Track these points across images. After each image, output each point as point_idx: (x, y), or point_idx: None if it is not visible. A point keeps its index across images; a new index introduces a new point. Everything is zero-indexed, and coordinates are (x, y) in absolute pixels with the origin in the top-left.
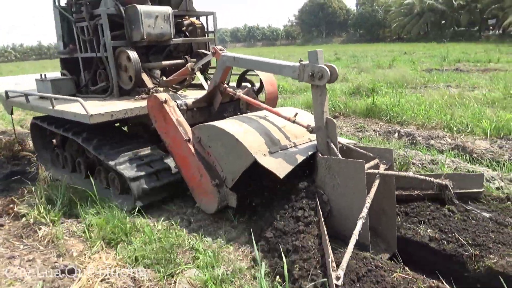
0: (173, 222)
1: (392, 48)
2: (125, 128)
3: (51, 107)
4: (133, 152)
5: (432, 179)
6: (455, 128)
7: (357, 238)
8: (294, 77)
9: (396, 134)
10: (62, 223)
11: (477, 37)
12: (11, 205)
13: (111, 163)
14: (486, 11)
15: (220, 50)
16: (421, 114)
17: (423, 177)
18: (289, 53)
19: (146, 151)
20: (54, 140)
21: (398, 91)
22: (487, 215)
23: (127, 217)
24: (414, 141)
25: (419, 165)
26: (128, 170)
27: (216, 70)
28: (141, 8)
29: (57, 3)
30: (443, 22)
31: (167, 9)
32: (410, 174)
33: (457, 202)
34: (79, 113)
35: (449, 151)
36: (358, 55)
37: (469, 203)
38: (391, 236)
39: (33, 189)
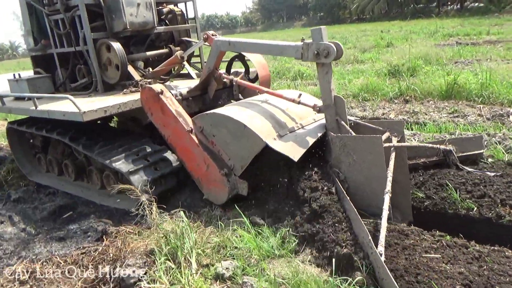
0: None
1: (361, 28)
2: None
3: (33, 108)
4: (127, 147)
5: (438, 145)
6: None
7: (387, 212)
8: (298, 57)
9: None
10: None
11: (436, 13)
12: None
13: (107, 161)
14: None
15: (213, 35)
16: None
17: (430, 145)
18: (267, 38)
19: (140, 145)
20: (34, 144)
21: (435, 68)
22: (491, 174)
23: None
24: None
25: None
26: (124, 165)
27: (209, 56)
28: None
29: None
30: (399, 0)
31: None
32: (421, 143)
33: (461, 165)
34: (69, 111)
35: None
36: (335, 37)
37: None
38: (406, 205)
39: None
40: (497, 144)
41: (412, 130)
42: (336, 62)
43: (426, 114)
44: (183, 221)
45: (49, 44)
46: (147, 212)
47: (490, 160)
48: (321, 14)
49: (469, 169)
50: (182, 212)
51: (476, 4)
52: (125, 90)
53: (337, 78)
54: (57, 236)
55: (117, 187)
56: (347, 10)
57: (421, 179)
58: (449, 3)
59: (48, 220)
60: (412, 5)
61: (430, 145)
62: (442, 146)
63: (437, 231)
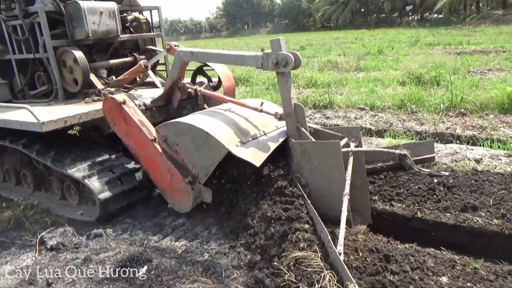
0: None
1: (332, 35)
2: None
3: None
4: (85, 156)
5: (393, 150)
6: None
7: (346, 213)
8: (258, 66)
9: None
10: None
11: (398, 23)
12: None
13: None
14: None
15: (176, 45)
16: None
17: (386, 149)
18: (232, 45)
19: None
20: None
21: (458, 77)
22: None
23: None
24: None
25: None
26: (80, 172)
27: (172, 66)
28: (83, 4)
29: None
30: (362, 10)
31: (112, 4)
32: (377, 148)
33: (417, 168)
34: (27, 121)
35: None
36: (314, 44)
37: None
38: (365, 209)
39: None
40: None
41: (490, 147)
42: (347, 70)
43: (496, 130)
44: None
45: (6, 49)
46: None
47: None
48: (286, 21)
49: (425, 170)
50: None
51: (435, 15)
52: (87, 99)
53: (358, 86)
54: None
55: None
56: (311, 18)
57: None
58: (410, 14)
59: (118, 281)
60: (375, 15)
61: (386, 149)
62: (397, 151)
63: None
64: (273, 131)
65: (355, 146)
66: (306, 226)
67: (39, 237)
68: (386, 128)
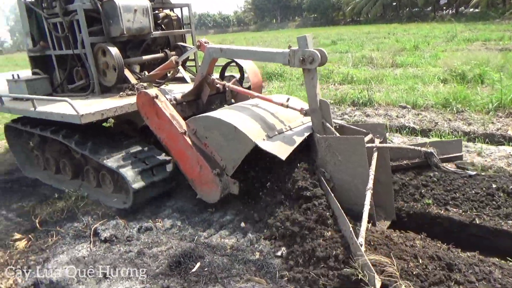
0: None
1: (363, 30)
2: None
3: (32, 109)
4: (122, 147)
5: (419, 148)
6: None
7: (369, 207)
8: (285, 63)
9: None
10: None
11: (432, 17)
12: None
13: (101, 160)
14: None
15: (205, 42)
16: None
17: (412, 147)
18: (261, 39)
19: (134, 146)
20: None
21: (504, 75)
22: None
23: None
24: None
25: None
26: (117, 162)
27: (202, 62)
28: (119, 2)
29: None
30: (394, 4)
31: (146, 2)
32: (402, 145)
33: (443, 167)
34: (68, 113)
35: None
36: (345, 39)
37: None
38: (389, 204)
39: None
40: None
41: None
42: (383, 66)
43: None
44: None
45: (48, 46)
46: None
47: None
48: (315, 15)
49: (451, 169)
50: None
51: (471, 9)
52: (121, 93)
53: (396, 83)
54: None
55: None
56: (341, 12)
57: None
58: (444, 8)
59: (172, 276)
60: (408, 9)
61: (412, 147)
62: (423, 148)
63: None
64: (298, 126)
65: (380, 143)
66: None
67: (92, 228)
68: (431, 128)
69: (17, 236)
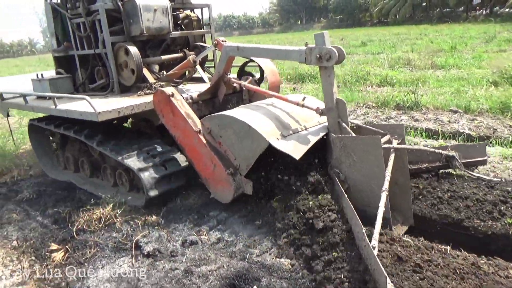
0: None
1: (392, 31)
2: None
3: (53, 107)
4: (139, 146)
5: (440, 151)
6: None
7: (383, 209)
8: (301, 60)
9: None
10: None
11: (464, 18)
12: None
13: (119, 158)
14: None
15: (223, 41)
16: None
17: (432, 149)
18: (286, 40)
19: (151, 145)
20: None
21: None
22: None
23: None
24: None
25: None
26: (135, 162)
27: (219, 61)
28: (139, 2)
29: (48, 0)
30: (423, 4)
31: (165, 2)
32: (422, 147)
33: (466, 170)
34: (86, 111)
35: None
36: (375, 41)
37: None
38: (407, 208)
39: None
40: None
41: None
42: (422, 68)
43: None
44: None
45: (71, 46)
46: None
47: None
48: (341, 16)
49: (474, 174)
50: None
51: (507, 9)
52: (139, 92)
53: (440, 86)
54: None
55: None
56: (368, 12)
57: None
58: (478, 8)
59: None
60: (438, 9)
61: (432, 149)
62: (445, 152)
63: None
64: (314, 126)
65: (398, 144)
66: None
67: (134, 241)
68: (489, 135)
69: (54, 246)
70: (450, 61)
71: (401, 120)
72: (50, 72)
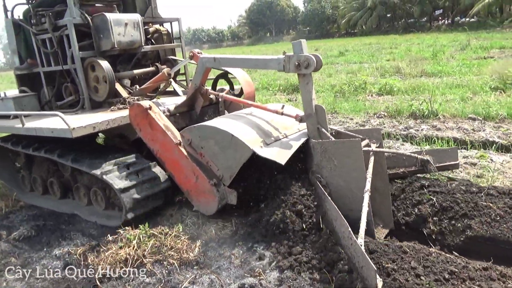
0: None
1: (363, 41)
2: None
3: (20, 125)
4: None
5: (416, 155)
6: None
7: (367, 209)
8: (280, 69)
9: None
10: None
11: (428, 28)
12: None
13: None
14: (434, 1)
15: (198, 53)
16: None
17: (408, 153)
18: (259, 52)
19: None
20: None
21: None
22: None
23: None
24: None
25: None
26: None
27: (195, 73)
28: (110, 16)
29: (9, 16)
30: (388, 15)
31: (137, 16)
32: (398, 151)
33: (440, 174)
34: (58, 128)
35: None
36: (354, 50)
37: None
38: (387, 213)
39: None
40: None
41: None
42: (413, 76)
43: None
44: None
45: (36, 63)
46: None
47: None
48: (309, 28)
49: (445, 175)
50: None
51: (468, 19)
52: (112, 107)
53: (442, 93)
54: None
55: None
56: (335, 24)
57: None
58: (440, 18)
59: None
60: (403, 20)
61: (408, 153)
62: (420, 156)
63: None
64: (295, 133)
65: (376, 147)
66: None
67: None
68: None
69: None
70: (439, 68)
71: (422, 130)
72: (13, 91)
